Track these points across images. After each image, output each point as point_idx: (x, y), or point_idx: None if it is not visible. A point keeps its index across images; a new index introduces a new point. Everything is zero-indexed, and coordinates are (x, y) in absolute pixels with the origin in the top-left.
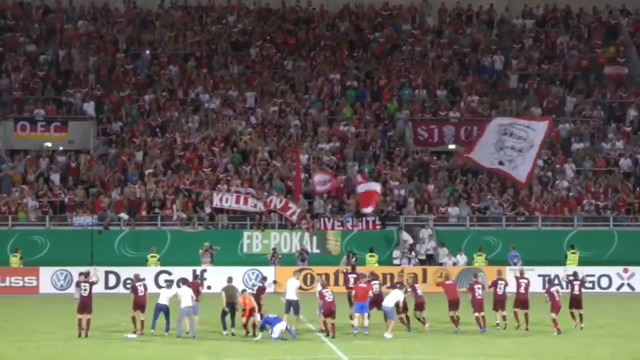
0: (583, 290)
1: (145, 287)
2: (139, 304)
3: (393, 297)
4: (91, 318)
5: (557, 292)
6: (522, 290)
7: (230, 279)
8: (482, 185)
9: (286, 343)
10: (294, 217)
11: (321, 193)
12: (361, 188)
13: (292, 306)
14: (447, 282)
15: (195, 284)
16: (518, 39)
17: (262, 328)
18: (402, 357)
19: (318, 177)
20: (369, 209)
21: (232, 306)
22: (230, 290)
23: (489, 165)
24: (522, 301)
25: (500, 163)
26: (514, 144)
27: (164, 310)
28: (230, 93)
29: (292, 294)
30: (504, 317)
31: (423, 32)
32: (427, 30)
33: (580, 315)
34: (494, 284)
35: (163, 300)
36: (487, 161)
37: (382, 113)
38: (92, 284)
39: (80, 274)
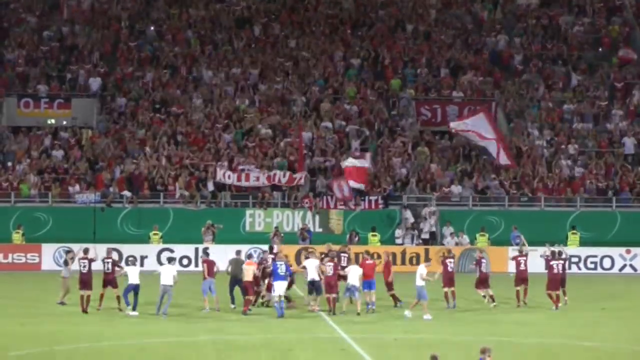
0: (568, 270)
1: (114, 264)
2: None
3: (355, 274)
4: (90, 294)
5: (557, 266)
6: (522, 267)
7: (238, 252)
8: (485, 165)
9: (288, 322)
10: (302, 181)
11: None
12: (348, 162)
13: (315, 287)
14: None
15: (211, 262)
16: (522, 19)
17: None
18: (403, 336)
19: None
20: (356, 185)
21: (234, 280)
22: (234, 264)
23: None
24: (522, 279)
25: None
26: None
27: (135, 289)
28: (234, 70)
29: (313, 274)
30: (491, 296)
31: (427, 10)
32: (431, 8)
33: (564, 291)
34: (478, 263)
35: (134, 279)
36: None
37: (385, 92)
38: (91, 261)
39: (68, 251)
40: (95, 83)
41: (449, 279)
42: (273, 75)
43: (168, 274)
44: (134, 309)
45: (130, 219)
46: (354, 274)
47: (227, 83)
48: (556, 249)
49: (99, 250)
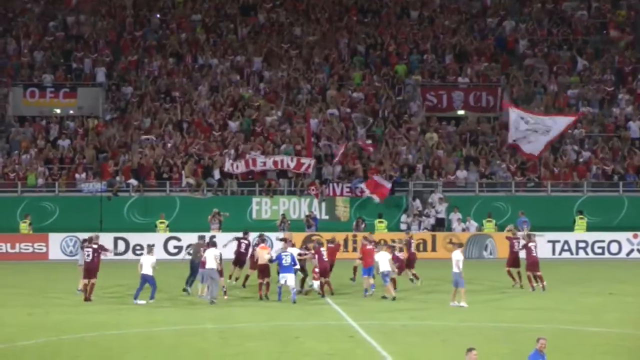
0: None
1: (95, 251)
2: (88, 270)
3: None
4: (95, 283)
5: (535, 247)
6: (515, 249)
7: (201, 237)
8: (492, 150)
9: (295, 309)
10: (310, 170)
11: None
12: (377, 178)
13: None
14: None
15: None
16: (527, 3)
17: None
18: (410, 323)
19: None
20: (372, 195)
21: (193, 265)
22: (194, 248)
23: (515, 136)
24: (513, 260)
25: (514, 140)
26: (528, 128)
27: (149, 279)
28: (239, 58)
29: (386, 266)
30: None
31: None
32: None
33: (540, 276)
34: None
35: (147, 269)
36: (515, 132)
37: (391, 78)
38: (95, 249)
39: (84, 240)
40: (100, 72)
41: (513, 260)
42: (278, 62)
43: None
44: (151, 297)
45: (137, 207)
46: (383, 259)
47: (232, 71)
48: (524, 232)
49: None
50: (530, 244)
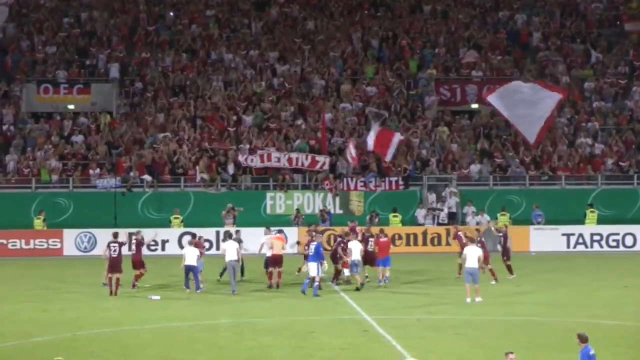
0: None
1: (120, 245)
2: (113, 264)
3: (474, 256)
4: (120, 277)
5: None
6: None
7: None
8: (506, 144)
9: (309, 303)
10: (325, 167)
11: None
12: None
13: (357, 266)
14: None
15: (198, 244)
16: None
17: None
18: (426, 317)
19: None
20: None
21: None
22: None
23: (507, 114)
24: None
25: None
26: (525, 102)
27: (193, 270)
28: (252, 53)
29: (357, 255)
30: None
31: None
32: None
33: (509, 266)
34: (365, 240)
35: (191, 260)
36: (505, 110)
37: (404, 72)
38: (121, 244)
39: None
40: (114, 68)
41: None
42: (292, 57)
43: (191, 255)
44: (197, 288)
45: (151, 203)
46: (355, 249)
47: (245, 66)
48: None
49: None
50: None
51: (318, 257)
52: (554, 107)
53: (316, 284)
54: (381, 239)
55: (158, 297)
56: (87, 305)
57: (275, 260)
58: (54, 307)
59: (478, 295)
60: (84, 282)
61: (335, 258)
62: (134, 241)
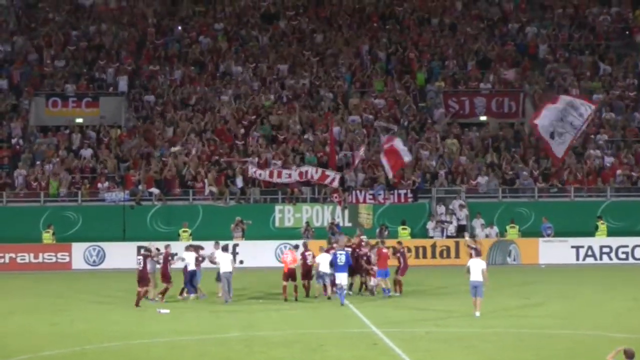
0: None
1: (145, 258)
2: (140, 278)
3: (478, 269)
4: (147, 290)
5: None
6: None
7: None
8: (514, 156)
9: (319, 315)
10: (335, 183)
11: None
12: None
13: (322, 277)
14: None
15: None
16: (548, 9)
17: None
18: (435, 330)
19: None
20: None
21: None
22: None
23: (543, 134)
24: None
25: (552, 135)
26: (573, 120)
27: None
28: (260, 66)
29: (325, 267)
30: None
31: (453, 3)
32: (457, 1)
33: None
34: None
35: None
36: (544, 130)
37: (412, 85)
38: (145, 256)
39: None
40: (122, 81)
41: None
42: (300, 70)
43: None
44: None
45: (160, 216)
46: (324, 261)
47: (254, 79)
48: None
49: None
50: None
51: (348, 266)
52: (588, 120)
53: (345, 292)
54: (383, 250)
55: (167, 311)
56: (96, 319)
57: (290, 274)
58: (63, 320)
59: (478, 309)
60: (93, 295)
61: (358, 270)
62: (161, 254)
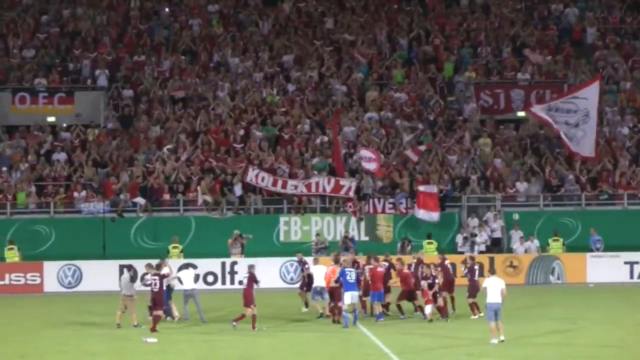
0: None
1: (161, 278)
2: (152, 301)
3: (497, 289)
4: (161, 315)
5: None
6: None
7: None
8: (558, 157)
9: (329, 343)
10: (351, 193)
11: (367, 171)
12: (423, 188)
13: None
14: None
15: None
16: None
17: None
18: (466, 359)
19: (363, 153)
20: (425, 214)
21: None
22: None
23: (556, 127)
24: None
25: (569, 139)
26: (566, 119)
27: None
28: (262, 55)
29: (320, 281)
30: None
31: None
32: None
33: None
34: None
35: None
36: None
37: (438, 76)
38: (162, 277)
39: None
40: (101, 74)
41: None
42: (308, 60)
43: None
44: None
45: (146, 230)
46: (318, 274)
47: (254, 70)
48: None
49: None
50: (475, 267)
51: (358, 285)
52: (596, 99)
53: (356, 311)
54: (378, 269)
55: (154, 340)
56: (72, 350)
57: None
58: (33, 352)
59: (502, 334)
60: (69, 322)
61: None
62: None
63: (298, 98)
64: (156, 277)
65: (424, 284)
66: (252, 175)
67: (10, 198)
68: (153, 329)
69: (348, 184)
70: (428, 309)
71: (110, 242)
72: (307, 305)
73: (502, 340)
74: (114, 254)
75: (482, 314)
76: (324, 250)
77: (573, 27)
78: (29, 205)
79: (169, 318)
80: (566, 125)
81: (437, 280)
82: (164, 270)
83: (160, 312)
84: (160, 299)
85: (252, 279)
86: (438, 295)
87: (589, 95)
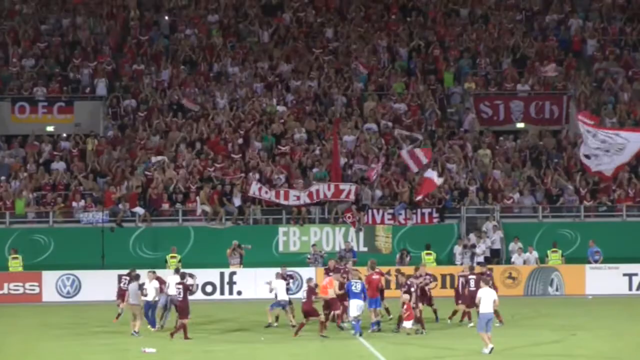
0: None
1: (186, 289)
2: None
3: (489, 299)
4: (186, 323)
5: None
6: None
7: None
8: (557, 169)
9: (326, 356)
10: (351, 196)
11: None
12: (426, 173)
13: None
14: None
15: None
16: None
17: None
18: None
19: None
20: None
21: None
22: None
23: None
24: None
25: (586, 156)
26: (598, 146)
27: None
28: (261, 65)
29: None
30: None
31: None
32: None
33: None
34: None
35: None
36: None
37: (438, 87)
38: (186, 287)
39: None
40: (101, 83)
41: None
42: (307, 70)
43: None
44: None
45: (144, 240)
46: (281, 288)
47: (253, 80)
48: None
49: None
50: (470, 277)
51: (364, 295)
52: (636, 148)
53: (360, 321)
54: (373, 276)
55: (153, 350)
56: None
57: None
58: None
59: (490, 342)
60: (67, 332)
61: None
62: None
63: (297, 107)
64: (180, 287)
65: (405, 297)
66: (254, 188)
67: (9, 207)
68: (185, 337)
69: (347, 187)
70: (408, 324)
71: (109, 252)
72: (277, 319)
73: (492, 348)
74: (113, 264)
75: (472, 324)
76: (320, 260)
77: (573, 38)
78: (27, 215)
79: (149, 326)
80: (595, 149)
81: (412, 289)
82: (189, 281)
83: (185, 321)
84: (186, 308)
85: (311, 291)
86: (415, 307)
87: (633, 140)
